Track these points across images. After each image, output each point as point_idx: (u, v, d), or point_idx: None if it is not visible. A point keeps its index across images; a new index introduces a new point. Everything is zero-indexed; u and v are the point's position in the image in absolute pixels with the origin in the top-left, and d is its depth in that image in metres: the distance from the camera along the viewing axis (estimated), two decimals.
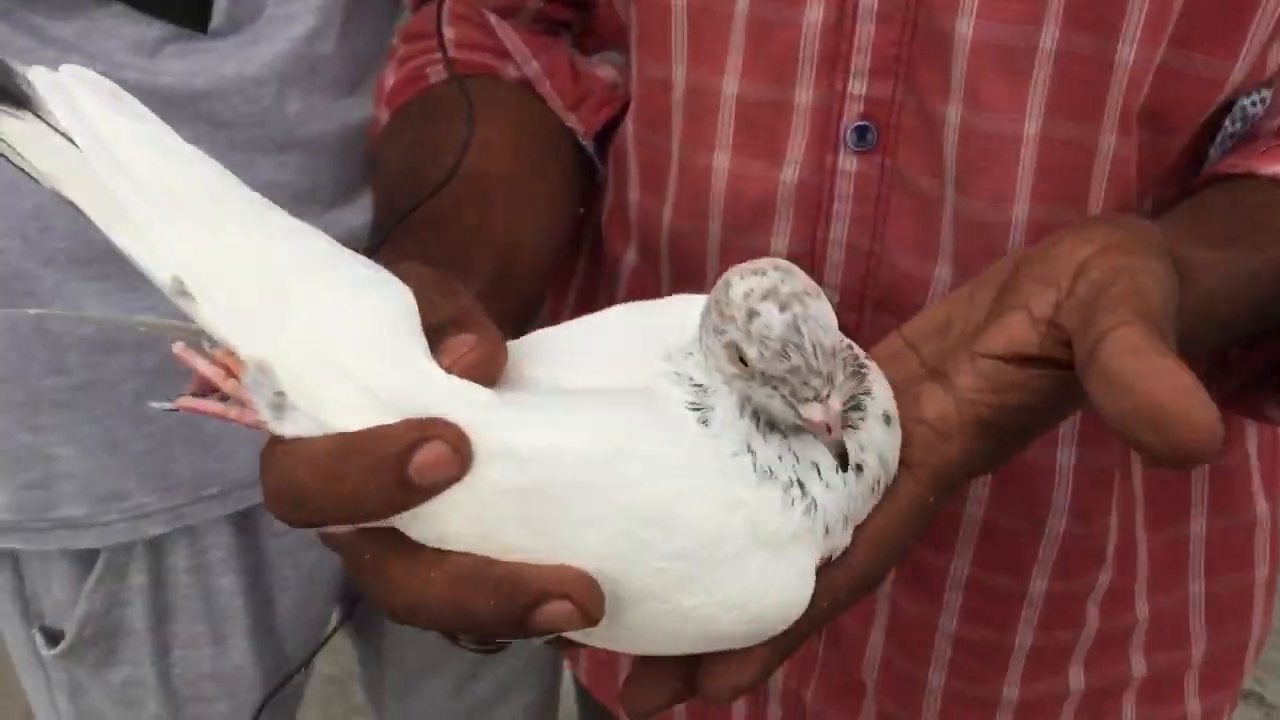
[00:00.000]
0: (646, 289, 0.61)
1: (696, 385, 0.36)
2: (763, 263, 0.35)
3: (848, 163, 0.53)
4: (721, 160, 0.55)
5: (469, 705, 0.97)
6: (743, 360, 0.34)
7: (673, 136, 0.57)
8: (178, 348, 0.37)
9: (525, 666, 0.98)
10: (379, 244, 0.51)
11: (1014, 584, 0.58)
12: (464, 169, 0.54)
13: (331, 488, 0.34)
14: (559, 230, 0.60)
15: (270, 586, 0.80)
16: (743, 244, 0.56)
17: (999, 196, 0.51)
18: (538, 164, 0.59)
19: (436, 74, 0.62)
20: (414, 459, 0.33)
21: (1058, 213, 0.51)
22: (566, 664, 0.79)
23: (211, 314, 0.36)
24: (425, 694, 0.97)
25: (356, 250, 0.38)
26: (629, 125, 0.60)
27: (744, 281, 0.34)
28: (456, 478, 0.34)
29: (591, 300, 0.67)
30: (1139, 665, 0.62)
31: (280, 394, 0.36)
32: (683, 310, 0.39)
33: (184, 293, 0.36)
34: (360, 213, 0.73)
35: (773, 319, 0.33)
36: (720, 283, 0.35)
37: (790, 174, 0.54)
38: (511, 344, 0.38)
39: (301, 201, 0.71)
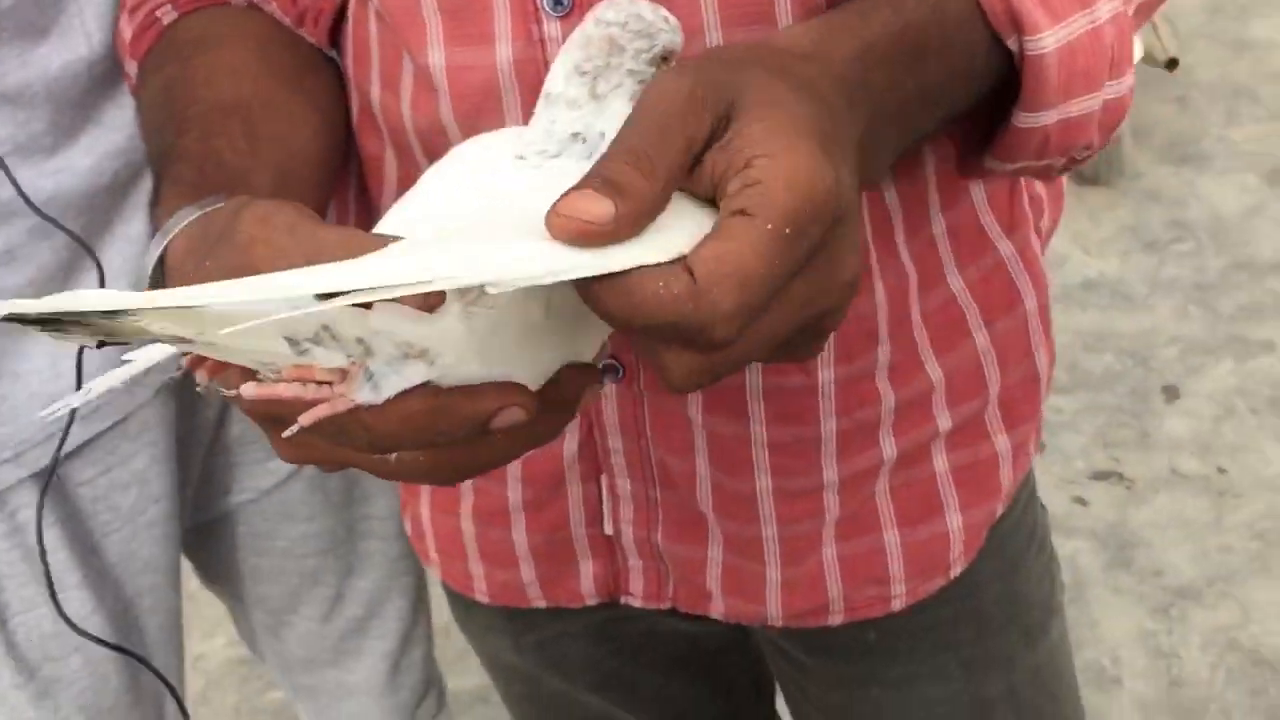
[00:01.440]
0: (409, 177, 0.61)
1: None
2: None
3: (552, 29, 0.55)
4: (437, 57, 0.57)
5: (342, 628, 0.97)
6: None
7: (394, 37, 0.58)
8: (249, 390, 0.39)
9: (390, 577, 0.97)
10: (157, 185, 0.52)
11: (805, 380, 0.62)
12: (221, 98, 0.56)
13: (420, 435, 0.39)
14: (330, 138, 0.62)
15: (91, 533, 0.79)
16: (483, 129, 0.56)
17: (692, 31, 0.52)
18: (291, 79, 0.61)
19: (168, 14, 0.64)
20: (496, 419, 0.39)
21: (752, 36, 0.52)
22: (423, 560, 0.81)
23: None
24: (296, 626, 0.96)
25: None
26: (364, 27, 0.61)
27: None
28: (525, 422, 0.39)
29: (368, 204, 0.68)
30: (944, 420, 0.66)
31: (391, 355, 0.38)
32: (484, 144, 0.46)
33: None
34: (85, 154, 0.72)
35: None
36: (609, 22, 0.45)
37: (504, 52, 0.55)
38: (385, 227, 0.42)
39: (26, 153, 0.70)
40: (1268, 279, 2.22)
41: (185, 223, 0.48)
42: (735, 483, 0.65)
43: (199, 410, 0.83)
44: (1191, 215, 2.41)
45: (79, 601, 0.77)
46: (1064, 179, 0.66)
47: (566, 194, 0.37)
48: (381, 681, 1.01)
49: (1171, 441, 1.92)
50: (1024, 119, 0.51)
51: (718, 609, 0.70)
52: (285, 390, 0.38)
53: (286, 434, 0.39)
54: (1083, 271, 2.28)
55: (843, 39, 0.46)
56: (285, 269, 0.37)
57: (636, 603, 0.71)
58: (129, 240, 0.74)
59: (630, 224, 0.37)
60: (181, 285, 0.45)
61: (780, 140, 0.38)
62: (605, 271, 0.36)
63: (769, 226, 0.36)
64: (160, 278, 0.49)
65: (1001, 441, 0.68)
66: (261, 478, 0.88)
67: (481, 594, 0.74)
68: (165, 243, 0.49)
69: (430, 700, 1.09)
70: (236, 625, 1.02)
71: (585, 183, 0.37)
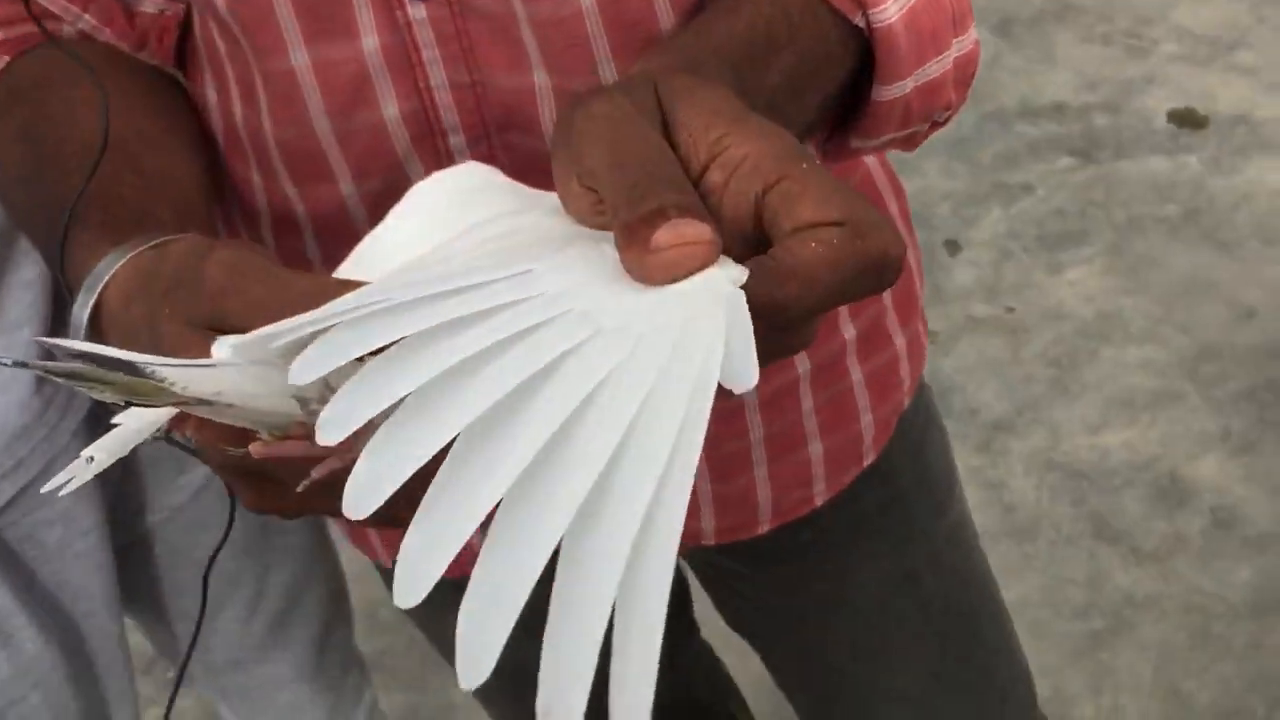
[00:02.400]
0: (279, 203, 0.61)
1: None
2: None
3: (417, 11, 0.54)
4: (300, 58, 0.55)
5: (265, 623, 0.97)
6: None
7: (243, 46, 0.57)
8: (258, 449, 0.38)
9: (308, 566, 0.98)
10: (66, 226, 0.50)
11: None
12: (92, 137, 0.54)
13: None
14: (208, 164, 0.61)
15: (23, 569, 0.78)
16: (357, 126, 0.57)
17: (578, 37, 0.53)
18: (152, 108, 0.59)
19: None
20: None
21: (633, 40, 0.53)
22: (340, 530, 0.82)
23: None
24: (219, 630, 0.97)
25: None
26: (212, 41, 0.59)
27: None
28: None
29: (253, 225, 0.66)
30: (849, 330, 0.70)
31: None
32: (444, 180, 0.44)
33: None
34: None
35: None
36: None
37: (371, 43, 0.55)
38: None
39: None
40: (1015, 125, 2.38)
41: (116, 268, 0.47)
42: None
43: None
44: None
45: (31, 640, 0.77)
46: None
47: (651, 231, 0.33)
48: (310, 668, 1.02)
49: (962, 291, 2.06)
50: (883, 92, 0.52)
51: None
52: (294, 448, 0.38)
53: (300, 487, 0.39)
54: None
55: (699, 52, 0.46)
56: (262, 323, 0.37)
57: None
58: (24, 287, 0.71)
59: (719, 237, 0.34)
60: (128, 334, 0.44)
61: (727, 113, 0.37)
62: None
63: (804, 165, 0.36)
64: (96, 327, 0.47)
65: (900, 340, 0.73)
66: (174, 494, 0.87)
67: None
68: (100, 289, 0.47)
69: (355, 674, 1.10)
70: (153, 641, 1.00)
71: (655, 215, 0.33)
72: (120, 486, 0.84)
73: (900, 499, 0.77)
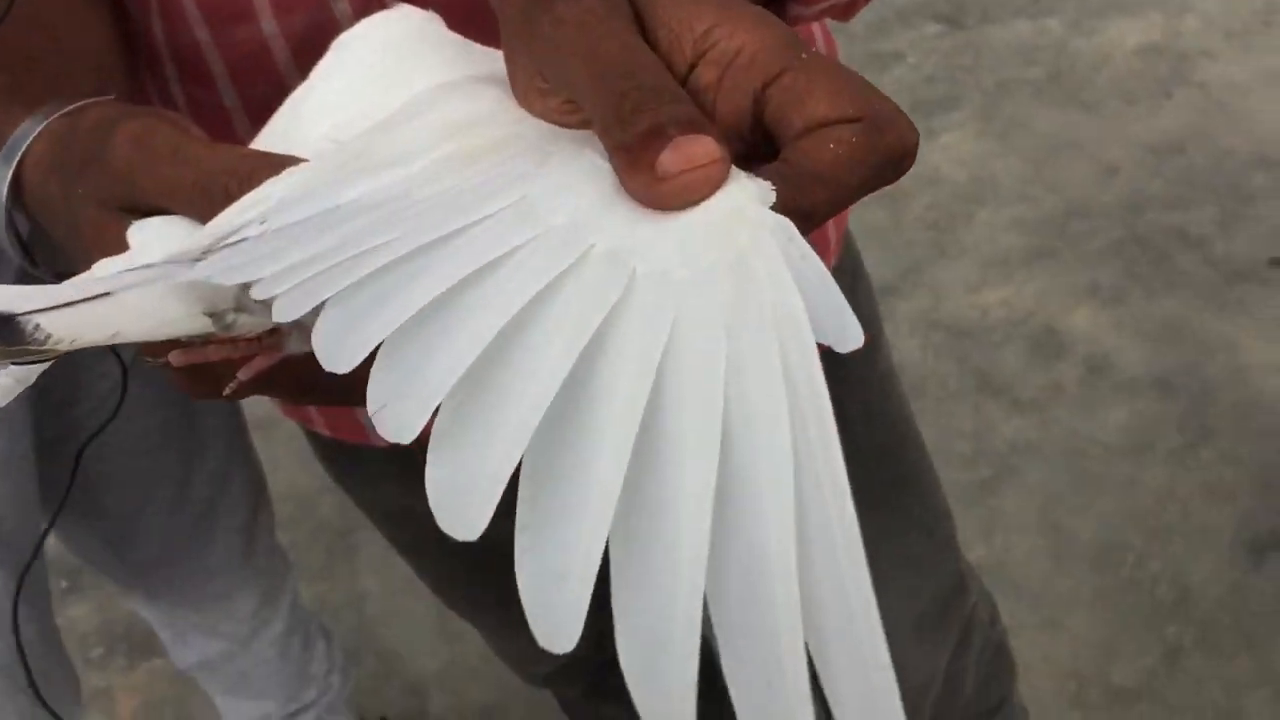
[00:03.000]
0: (188, 48, 0.58)
1: None
2: None
3: None
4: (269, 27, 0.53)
5: (193, 512, 0.97)
6: None
7: None
8: (177, 358, 0.35)
9: (231, 451, 0.98)
10: None
11: None
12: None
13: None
14: (123, 29, 0.56)
15: None
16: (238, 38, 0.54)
17: None
18: None
19: None
20: None
21: None
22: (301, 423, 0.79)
23: None
24: (147, 525, 0.96)
25: None
26: None
27: None
28: None
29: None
30: None
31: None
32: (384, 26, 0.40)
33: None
34: None
35: None
36: None
37: None
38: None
39: None
40: None
41: (32, 137, 0.43)
42: None
43: None
44: None
45: None
46: None
47: (653, 154, 0.30)
48: (239, 555, 1.01)
49: None
50: None
51: None
52: (216, 353, 0.36)
53: (227, 391, 0.37)
54: None
55: None
56: (180, 203, 0.35)
57: None
58: None
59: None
60: (46, 211, 0.42)
61: (711, 2, 0.34)
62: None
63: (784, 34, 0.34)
64: (17, 201, 0.44)
65: (831, 232, 0.74)
66: (101, 382, 0.84)
67: (378, 436, 0.75)
68: (16, 161, 0.44)
69: (280, 562, 1.09)
70: (74, 548, 0.98)
71: (654, 134, 0.30)
72: (44, 380, 0.81)
73: (830, 352, 0.78)
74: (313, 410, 0.75)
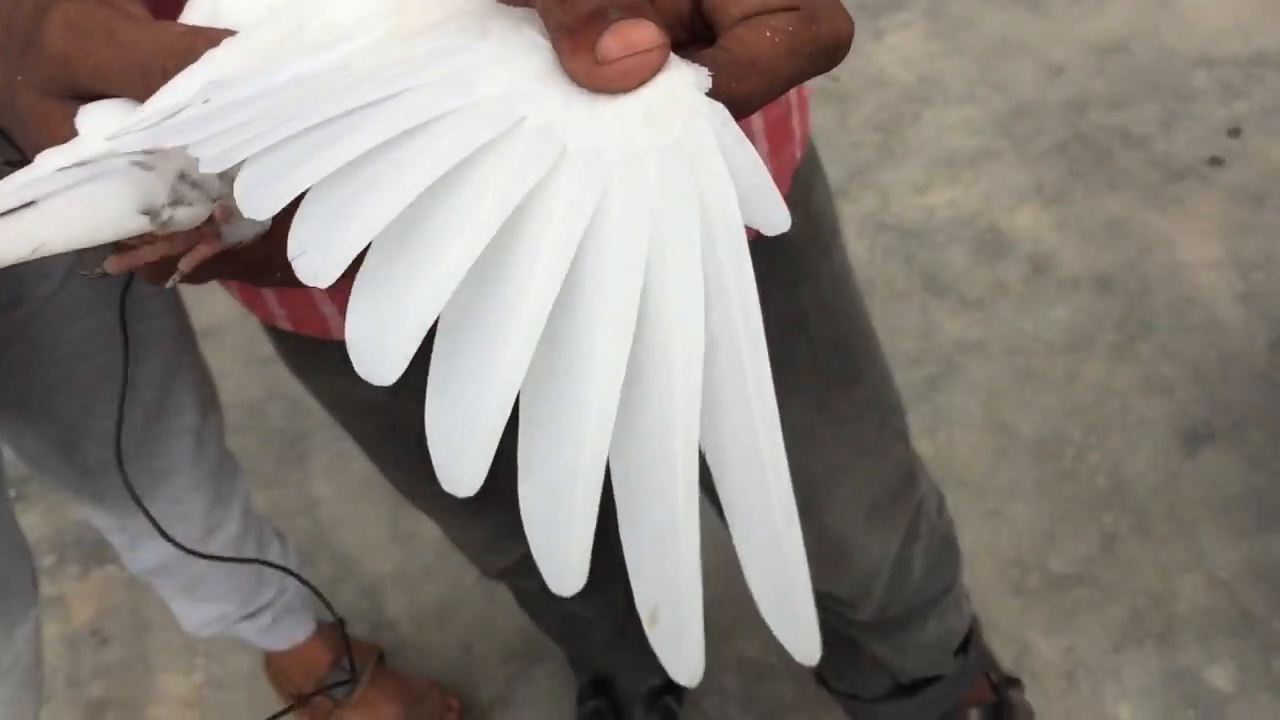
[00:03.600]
0: None
1: None
2: None
3: None
4: None
5: (140, 416, 0.97)
6: None
7: None
8: (112, 265, 0.34)
9: (176, 353, 0.97)
10: None
11: None
12: None
13: None
14: None
15: None
16: None
17: None
18: None
19: None
20: None
21: None
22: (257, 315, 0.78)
23: None
24: (93, 430, 0.95)
25: None
26: None
27: None
28: None
29: None
30: (757, 122, 0.70)
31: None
32: None
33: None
34: None
35: None
36: None
37: None
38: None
39: None
40: None
41: None
42: None
43: None
44: None
45: None
46: None
47: (594, 36, 0.30)
48: (189, 458, 1.01)
49: None
50: None
51: None
52: (152, 254, 0.35)
53: (168, 284, 0.37)
54: None
55: None
56: (118, 86, 0.35)
57: None
58: None
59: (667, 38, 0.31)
60: None
61: None
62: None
63: None
64: None
65: (793, 92, 0.74)
66: (42, 284, 0.82)
67: (339, 330, 0.75)
68: None
69: (231, 465, 1.09)
70: (24, 455, 0.98)
71: (594, 16, 0.31)
72: None
73: (789, 245, 0.78)
74: (274, 305, 0.75)
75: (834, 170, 1.90)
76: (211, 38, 0.35)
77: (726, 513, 0.30)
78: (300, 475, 1.67)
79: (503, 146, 0.29)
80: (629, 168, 0.29)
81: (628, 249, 0.28)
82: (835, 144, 1.94)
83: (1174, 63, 1.98)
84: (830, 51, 0.33)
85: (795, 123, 0.76)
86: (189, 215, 0.33)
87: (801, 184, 0.78)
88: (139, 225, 0.32)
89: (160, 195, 0.33)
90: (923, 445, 1.54)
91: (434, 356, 0.28)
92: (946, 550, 1.07)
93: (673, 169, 0.29)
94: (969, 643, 1.17)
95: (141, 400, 0.94)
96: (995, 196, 1.84)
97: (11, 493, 1.63)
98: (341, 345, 0.70)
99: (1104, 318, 1.65)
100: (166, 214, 0.33)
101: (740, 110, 0.32)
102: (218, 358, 1.72)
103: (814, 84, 2.03)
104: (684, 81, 0.31)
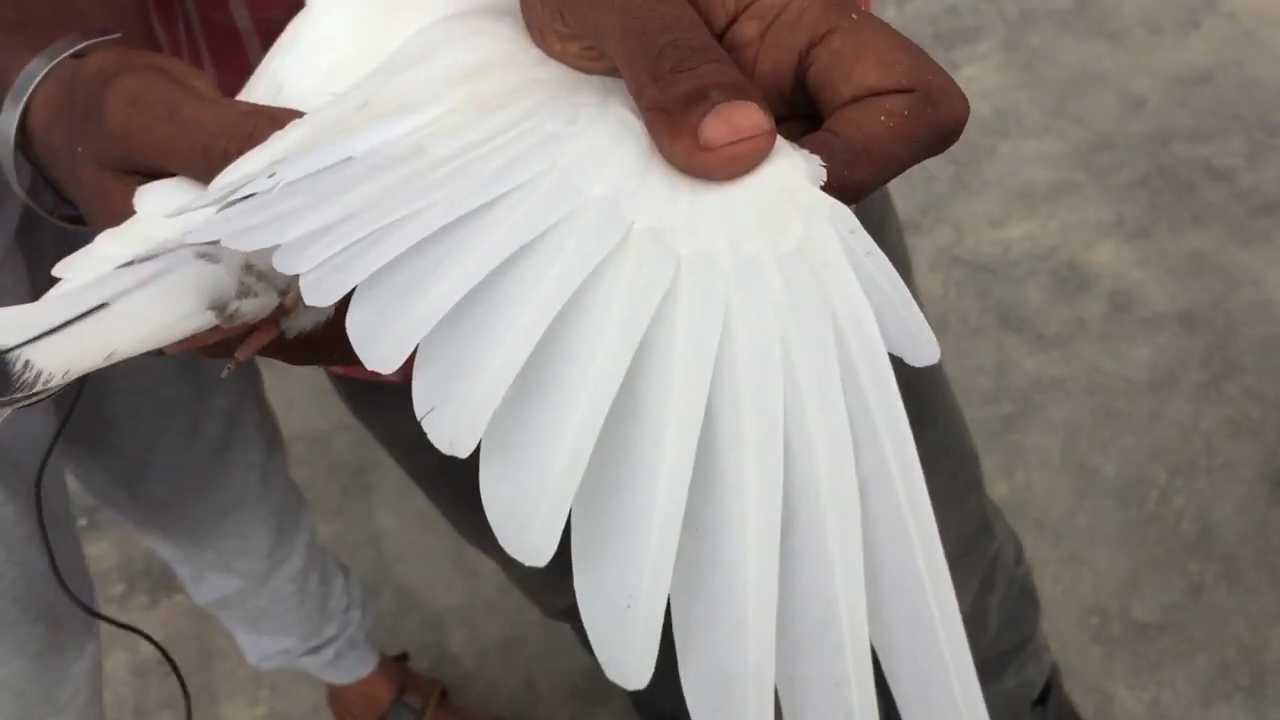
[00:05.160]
0: None
1: None
2: None
3: None
4: None
5: (206, 449, 0.96)
6: None
7: None
8: (173, 347, 0.32)
9: (243, 388, 0.96)
10: None
11: None
12: None
13: None
14: None
15: None
16: None
17: None
18: None
19: None
20: None
21: None
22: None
23: None
24: (159, 464, 0.95)
25: None
26: None
27: None
28: None
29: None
30: None
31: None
32: None
33: None
34: None
35: None
36: None
37: None
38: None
39: None
40: None
41: (38, 79, 0.41)
42: None
43: (46, 263, 0.76)
44: None
45: None
46: None
47: (695, 119, 0.28)
48: (254, 492, 1.00)
49: None
50: None
51: None
52: (206, 339, 0.34)
53: (223, 374, 0.36)
54: None
55: None
56: (179, 165, 0.34)
57: None
58: None
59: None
60: (52, 163, 0.40)
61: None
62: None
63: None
64: (25, 147, 0.42)
65: None
66: None
67: (392, 376, 0.74)
68: (22, 106, 0.41)
69: (295, 498, 1.08)
70: (89, 488, 0.98)
71: (695, 97, 0.28)
72: None
73: None
74: None
75: (906, 203, 1.87)
76: (276, 118, 0.34)
77: (902, 712, 0.25)
78: (364, 507, 1.67)
79: (619, 262, 0.26)
80: (749, 277, 0.26)
81: (762, 379, 0.24)
82: (907, 176, 1.90)
83: (1259, 94, 1.93)
84: (947, 136, 0.31)
85: None
86: (256, 307, 0.32)
87: (874, 219, 0.76)
88: (207, 321, 0.31)
89: (228, 289, 0.32)
90: (999, 486, 1.50)
91: (574, 533, 0.25)
92: (1025, 601, 1.03)
93: (798, 280, 0.26)
94: (1048, 694, 1.13)
95: (206, 435, 0.94)
96: (1074, 231, 1.79)
97: (82, 521, 1.65)
98: (395, 386, 0.70)
99: (1188, 356, 1.60)
100: (234, 306, 0.32)
101: (851, 200, 0.29)
102: (285, 388, 1.72)
103: None
104: (795, 171, 0.28)
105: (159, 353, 0.34)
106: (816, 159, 0.29)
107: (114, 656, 1.53)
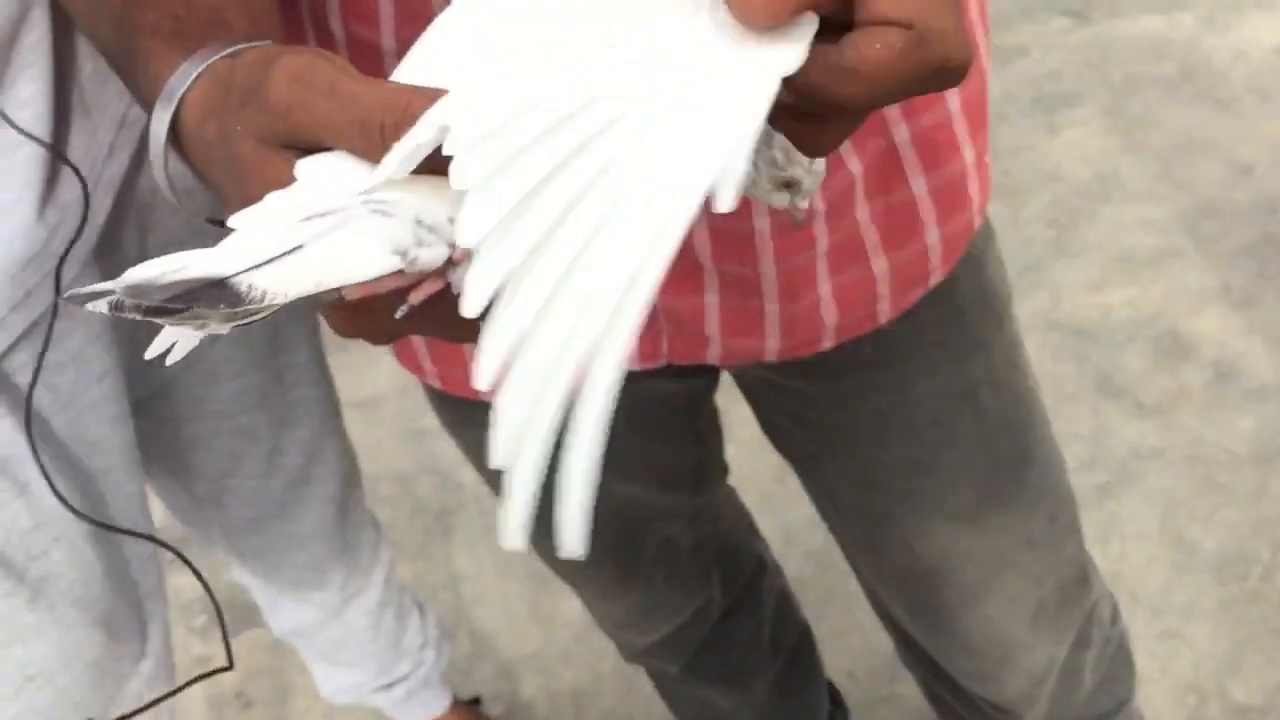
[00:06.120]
0: None
1: None
2: None
3: None
4: None
5: (284, 480, 0.97)
6: None
7: None
8: (352, 291, 0.37)
9: (324, 421, 0.97)
10: (127, 47, 0.47)
11: None
12: None
13: None
14: None
15: (41, 413, 0.75)
16: None
17: None
18: None
19: None
20: None
21: None
22: (415, 375, 0.79)
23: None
24: (238, 488, 0.96)
25: None
26: None
27: None
28: None
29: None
30: (900, 131, 0.67)
31: None
32: None
33: None
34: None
35: None
36: None
37: None
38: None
39: None
40: None
41: (191, 79, 0.43)
42: (734, 224, 0.66)
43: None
44: None
45: (39, 494, 0.73)
46: None
47: None
48: (330, 527, 1.01)
49: None
50: None
51: (714, 353, 0.72)
52: (389, 283, 0.37)
53: (399, 314, 0.38)
54: None
55: None
56: (338, 139, 0.37)
57: (634, 365, 0.72)
58: (25, 103, 0.67)
59: None
60: (204, 156, 0.42)
61: None
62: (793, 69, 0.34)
63: None
64: (176, 146, 0.44)
65: (969, 153, 0.70)
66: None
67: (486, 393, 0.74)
68: (174, 105, 0.43)
69: (371, 534, 1.09)
70: (169, 504, 0.99)
71: None
72: (134, 335, 0.81)
73: (960, 312, 0.75)
74: (426, 363, 0.76)
75: None
76: (431, 96, 0.36)
77: None
78: (445, 550, 1.67)
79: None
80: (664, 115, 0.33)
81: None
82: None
83: None
84: (938, 75, 0.34)
85: (974, 188, 0.72)
86: (432, 256, 0.36)
87: (973, 248, 0.74)
88: (391, 264, 0.35)
89: (405, 238, 0.35)
90: (1093, 555, 1.44)
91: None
92: (1120, 663, 0.99)
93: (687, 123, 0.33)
94: None
95: (285, 466, 0.95)
96: (1177, 298, 1.75)
97: (167, 554, 1.68)
98: (487, 405, 0.71)
99: None
100: (414, 254, 0.35)
101: (836, 112, 0.35)
102: (374, 429, 1.74)
103: None
104: (780, 59, 0.34)
105: (338, 302, 0.39)
106: (803, 51, 0.34)
107: (192, 689, 1.54)
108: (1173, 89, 2.08)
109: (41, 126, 0.67)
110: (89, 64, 0.71)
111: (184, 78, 0.43)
